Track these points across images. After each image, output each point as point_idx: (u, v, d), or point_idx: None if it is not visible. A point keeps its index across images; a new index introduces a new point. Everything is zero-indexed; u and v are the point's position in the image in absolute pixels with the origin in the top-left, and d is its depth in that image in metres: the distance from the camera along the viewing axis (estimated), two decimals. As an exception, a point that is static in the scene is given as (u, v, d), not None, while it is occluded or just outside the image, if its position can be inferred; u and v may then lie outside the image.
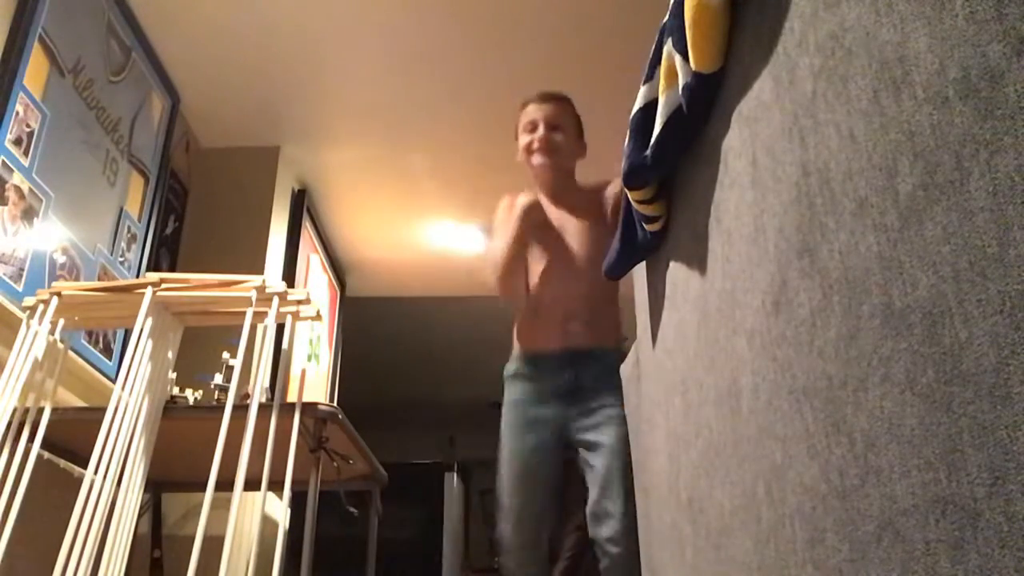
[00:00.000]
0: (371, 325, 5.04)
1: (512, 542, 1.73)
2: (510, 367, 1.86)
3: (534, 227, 1.80)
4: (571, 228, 1.82)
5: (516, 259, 1.78)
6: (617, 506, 1.62)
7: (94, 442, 1.74)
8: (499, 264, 1.77)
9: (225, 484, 1.70)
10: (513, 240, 1.76)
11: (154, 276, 1.99)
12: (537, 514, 1.74)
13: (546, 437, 1.77)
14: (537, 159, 1.85)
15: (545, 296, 1.81)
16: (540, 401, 1.78)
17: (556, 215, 1.85)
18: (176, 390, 2.23)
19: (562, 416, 1.76)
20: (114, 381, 2.26)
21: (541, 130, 1.84)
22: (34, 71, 2.21)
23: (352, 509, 2.62)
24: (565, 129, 1.88)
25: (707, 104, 0.86)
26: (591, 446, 1.70)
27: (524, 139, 1.87)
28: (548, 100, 1.89)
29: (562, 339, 1.77)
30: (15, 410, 1.79)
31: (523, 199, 1.77)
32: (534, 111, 1.88)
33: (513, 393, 1.83)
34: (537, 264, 1.82)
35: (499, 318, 2.22)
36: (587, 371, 1.76)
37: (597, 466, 1.68)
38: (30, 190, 2.18)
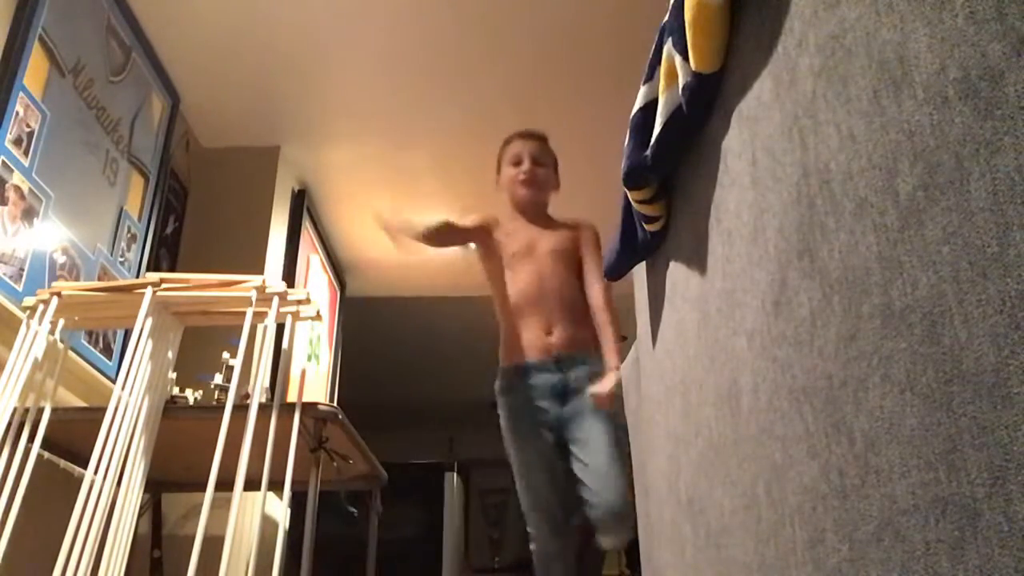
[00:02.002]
0: (371, 325, 5.03)
1: (541, 531, 1.80)
2: (500, 382, 1.92)
3: (497, 246, 1.94)
4: (547, 250, 1.94)
5: (442, 236, 1.90)
6: (612, 493, 1.71)
7: (94, 442, 1.74)
8: (434, 227, 1.88)
9: (225, 484, 1.70)
10: (459, 228, 1.91)
11: (154, 276, 1.99)
12: (560, 502, 1.80)
13: (547, 435, 1.83)
14: (522, 190, 2.00)
15: (526, 314, 1.90)
16: (534, 403, 1.85)
17: (535, 235, 1.96)
18: (176, 390, 2.23)
19: (556, 416, 1.82)
20: (114, 381, 2.26)
21: (527, 164, 2.00)
22: (34, 71, 2.21)
23: (352, 509, 2.62)
24: (546, 165, 2.04)
25: (707, 104, 0.86)
26: (582, 444, 1.77)
27: (510, 171, 2.02)
28: (532, 137, 2.06)
29: (546, 349, 1.86)
30: (15, 410, 1.79)
31: (510, 240, 1.93)
32: (519, 146, 2.03)
33: (507, 403, 1.90)
34: (514, 282, 1.92)
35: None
36: (574, 373, 1.84)
37: (591, 463, 1.75)
38: (30, 190, 2.18)
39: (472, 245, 2.01)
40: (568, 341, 1.85)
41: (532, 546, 1.83)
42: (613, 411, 1.76)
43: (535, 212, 2.01)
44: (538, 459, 1.82)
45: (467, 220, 1.94)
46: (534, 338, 1.86)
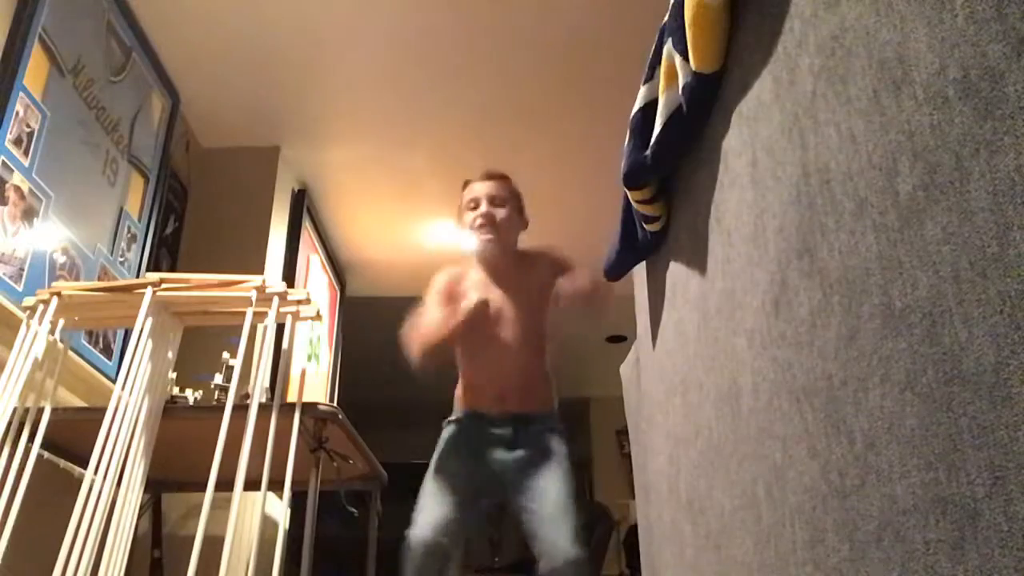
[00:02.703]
0: (371, 325, 5.03)
1: (426, 540, 1.66)
2: (451, 421, 1.87)
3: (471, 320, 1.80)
4: (508, 307, 1.85)
5: (442, 347, 1.79)
6: (567, 538, 1.62)
7: (94, 442, 1.74)
8: (425, 342, 1.77)
9: (225, 484, 1.70)
10: (450, 332, 1.77)
11: (154, 276, 1.99)
12: (460, 520, 1.70)
13: (482, 470, 1.76)
14: (480, 234, 1.88)
15: (482, 372, 1.85)
16: (480, 444, 1.79)
17: (495, 294, 1.86)
18: (176, 390, 2.23)
19: (503, 463, 1.75)
20: (114, 381, 2.26)
21: (484, 206, 1.89)
22: (34, 71, 2.21)
23: (352, 509, 2.62)
24: (506, 204, 1.92)
25: (707, 104, 0.86)
26: (532, 492, 1.70)
27: (468, 216, 1.92)
28: (489, 178, 1.95)
29: (500, 407, 1.80)
30: (15, 410, 1.79)
31: (474, 297, 1.77)
32: (476, 189, 1.93)
33: (452, 433, 1.84)
34: (474, 339, 1.83)
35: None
36: (528, 428, 1.79)
37: (540, 510, 1.67)
38: (30, 190, 2.18)
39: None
40: (521, 402, 1.80)
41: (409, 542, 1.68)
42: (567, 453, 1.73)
43: (501, 260, 1.90)
44: (462, 475, 1.74)
45: (439, 300, 1.84)
46: (488, 398, 1.81)
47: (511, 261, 1.93)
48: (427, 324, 1.78)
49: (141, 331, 1.89)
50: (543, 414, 1.83)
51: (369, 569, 2.68)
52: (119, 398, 1.82)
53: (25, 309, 1.94)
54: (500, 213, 1.88)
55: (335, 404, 2.61)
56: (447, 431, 1.85)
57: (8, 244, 2.08)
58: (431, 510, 1.68)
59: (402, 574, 1.65)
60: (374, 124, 3.46)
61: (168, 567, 2.58)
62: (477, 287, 1.85)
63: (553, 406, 1.87)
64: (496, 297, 1.85)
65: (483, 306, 1.75)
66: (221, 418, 1.77)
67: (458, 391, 1.90)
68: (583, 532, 1.68)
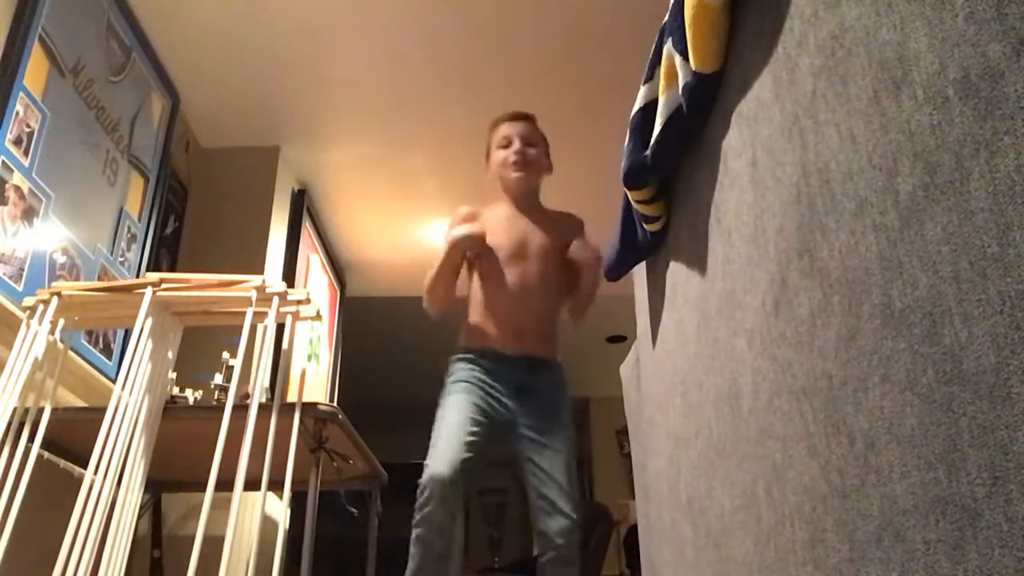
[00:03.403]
0: (371, 325, 5.03)
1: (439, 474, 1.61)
2: (459, 356, 1.82)
3: (488, 243, 1.83)
4: (533, 244, 1.87)
5: (443, 281, 1.83)
6: (567, 504, 1.65)
7: (94, 442, 1.74)
8: (429, 281, 1.82)
9: (225, 484, 1.70)
10: (444, 265, 1.81)
11: (154, 276, 1.99)
12: (476, 460, 1.66)
13: (494, 413, 1.72)
14: (514, 172, 1.91)
15: (500, 305, 1.83)
16: (495, 383, 1.75)
17: (522, 227, 1.88)
18: (176, 390, 2.23)
19: (514, 410, 1.74)
20: (114, 381, 2.26)
21: (517, 144, 1.92)
22: (34, 71, 2.21)
23: (352, 509, 2.62)
24: (537, 145, 1.96)
25: (707, 104, 0.86)
26: (541, 447, 1.70)
27: (499, 154, 1.94)
28: (520, 118, 1.97)
29: (517, 345, 1.79)
30: (15, 410, 1.79)
31: (465, 228, 1.81)
32: (508, 128, 1.95)
33: (464, 370, 1.79)
34: (495, 272, 1.84)
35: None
36: (541, 377, 1.79)
37: (547, 466, 1.68)
38: (30, 190, 2.18)
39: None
40: (536, 346, 1.79)
41: (419, 502, 1.62)
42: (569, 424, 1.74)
43: (527, 200, 1.93)
44: (472, 409, 1.70)
45: (445, 254, 1.83)
46: (503, 334, 1.79)
47: (538, 203, 1.97)
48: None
49: (141, 331, 1.89)
50: (554, 363, 1.83)
51: (369, 569, 2.68)
52: (119, 398, 1.82)
53: (25, 309, 1.94)
54: (532, 152, 1.92)
55: (335, 404, 2.61)
56: (459, 368, 1.80)
57: (8, 244, 2.08)
58: (448, 447, 1.64)
59: (418, 513, 1.60)
60: (374, 124, 3.46)
61: (168, 567, 2.58)
62: (502, 222, 1.87)
63: (559, 360, 1.86)
64: (521, 233, 1.87)
65: (478, 237, 1.79)
66: (221, 418, 1.77)
67: (468, 326, 1.86)
68: (581, 504, 1.69)
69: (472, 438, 1.66)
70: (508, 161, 1.91)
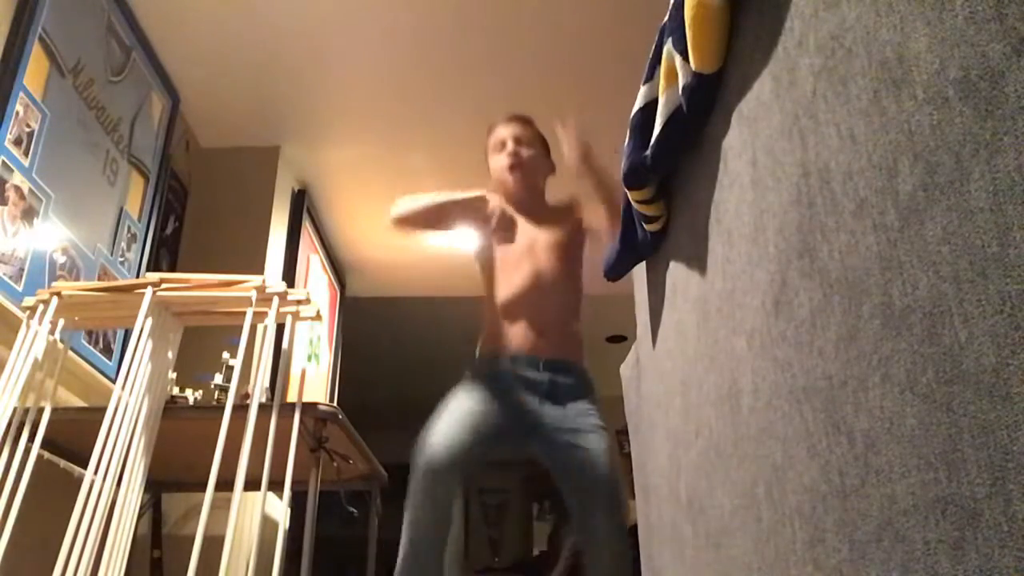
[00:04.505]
0: (371, 325, 5.03)
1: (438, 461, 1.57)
2: (477, 366, 1.79)
3: (494, 230, 1.79)
4: (541, 243, 1.84)
5: (431, 211, 1.81)
6: (603, 516, 1.61)
7: (94, 442, 1.74)
8: (417, 204, 1.80)
9: (225, 484, 1.70)
10: (445, 199, 1.77)
11: (154, 276, 1.99)
12: (476, 453, 1.62)
13: (508, 412, 1.67)
14: (510, 176, 1.89)
15: (517, 311, 1.80)
16: (511, 387, 1.71)
17: (529, 232, 1.86)
18: (176, 390, 2.23)
19: (536, 411, 1.68)
20: (114, 381, 2.26)
21: (511, 146, 1.90)
22: (34, 71, 2.21)
23: (352, 509, 2.62)
24: (532, 145, 1.93)
25: (707, 104, 0.86)
26: (572, 450, 1.66)
27: (496, 159, 1.93)
28: (513, 120, 1.96)
29: (535, 348, 1.75)
30: (15, 410, 1.79)
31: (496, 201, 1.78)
32: (501, 131, 1.94)
33: (479, 382, 1.74)
34: (509, 278, 1.82)
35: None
36: (563, 377, 1.74)
37: (579, 473, 1.65)
38: (30, 190, 2.18)
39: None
40: (554, 347, 1.76)
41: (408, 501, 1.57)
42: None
43: (530, 203, 1.90)
44: (487, 417, 1.64)
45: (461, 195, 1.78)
46: (523, 335, 1.76)
47: (542, 204, 1.94)
48: (438, 197, 1.78)
49: (141, 331, 1.89)
50: (577, 363, 1.79)
51: (369, 569, 2.68)
52: (119, 398, 1.82)
53: (25, 309, 1.94)
54: (526, 152, 1.90)
55: (335, 404, 2.61)
56: (476, 374, 1.77)
57: (8, 244, 2.08)
58: (449, 434, 1.59)
59: (409, 496, 1.56)
60: (374, 124, 3.46)
61: (168, 567, 2.58)
62: (507, 220, 1.83)
63: (582, 358, 1.83)
64: (528, 235, 1.85)
65: (481, 199, 1.75)
66: (221, 418, 1.77)
67: (487, 333, 1.83)
68: (619, 503, 1.64)
69: (475, 431, 1.63)
70: (503, 165, 1.90)
